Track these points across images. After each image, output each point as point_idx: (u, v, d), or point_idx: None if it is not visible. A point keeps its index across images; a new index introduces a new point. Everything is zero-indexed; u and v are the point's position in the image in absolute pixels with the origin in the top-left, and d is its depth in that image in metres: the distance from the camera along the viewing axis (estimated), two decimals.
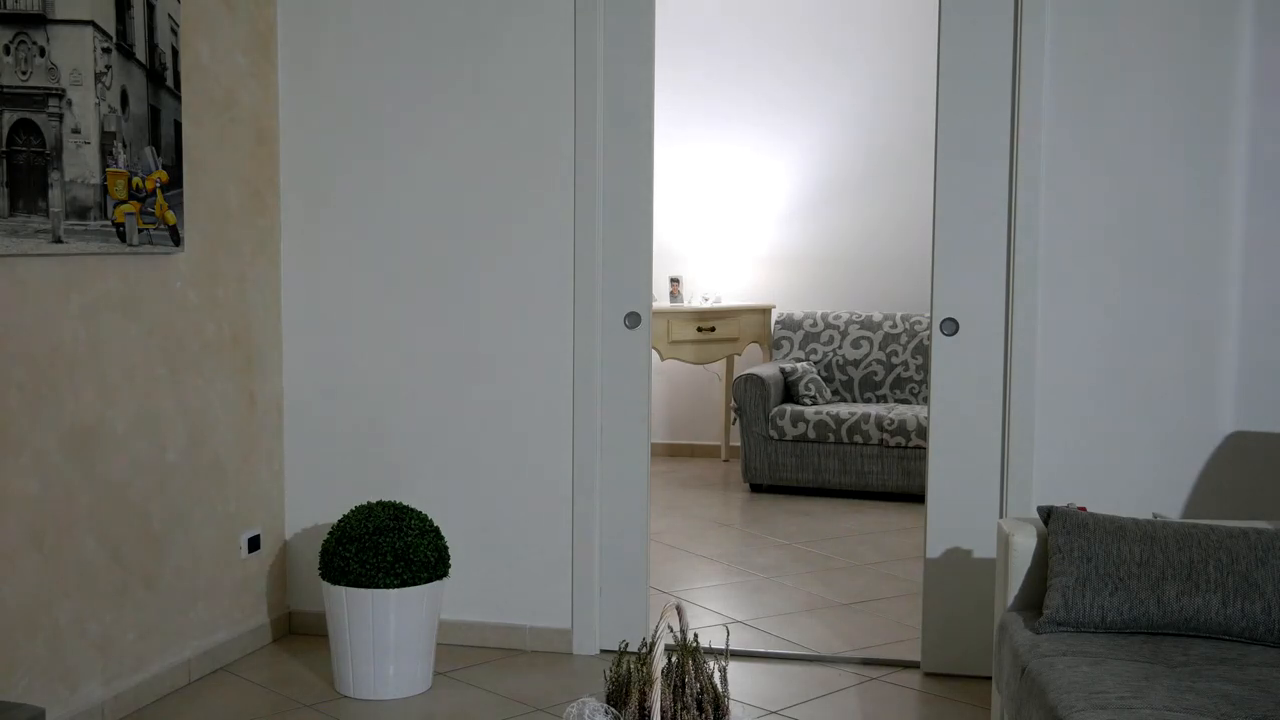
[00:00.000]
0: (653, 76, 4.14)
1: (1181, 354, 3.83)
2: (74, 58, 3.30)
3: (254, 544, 4.26)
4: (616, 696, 2.33)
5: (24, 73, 3.16)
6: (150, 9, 3.61)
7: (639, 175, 4.16)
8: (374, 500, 3.98)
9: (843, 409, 6.87)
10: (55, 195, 3.26)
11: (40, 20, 3.19)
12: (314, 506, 4.40)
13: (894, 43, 7.47)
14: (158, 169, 3.66)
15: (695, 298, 7.84)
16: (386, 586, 3.74)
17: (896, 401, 7.20)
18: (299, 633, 4.44)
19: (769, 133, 7.81)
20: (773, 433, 6.87)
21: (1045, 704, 2.59)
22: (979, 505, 3.97)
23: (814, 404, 7.05)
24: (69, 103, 3.29)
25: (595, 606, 4.25)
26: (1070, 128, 3.85)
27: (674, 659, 2.34)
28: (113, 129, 3.45)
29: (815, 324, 7.44)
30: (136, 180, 3.56)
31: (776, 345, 7.56)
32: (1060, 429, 3.91)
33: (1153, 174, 3.82)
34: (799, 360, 7.43)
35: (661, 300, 7.60)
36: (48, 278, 3.31)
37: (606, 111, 4.15)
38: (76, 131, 3.32)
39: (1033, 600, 3.12)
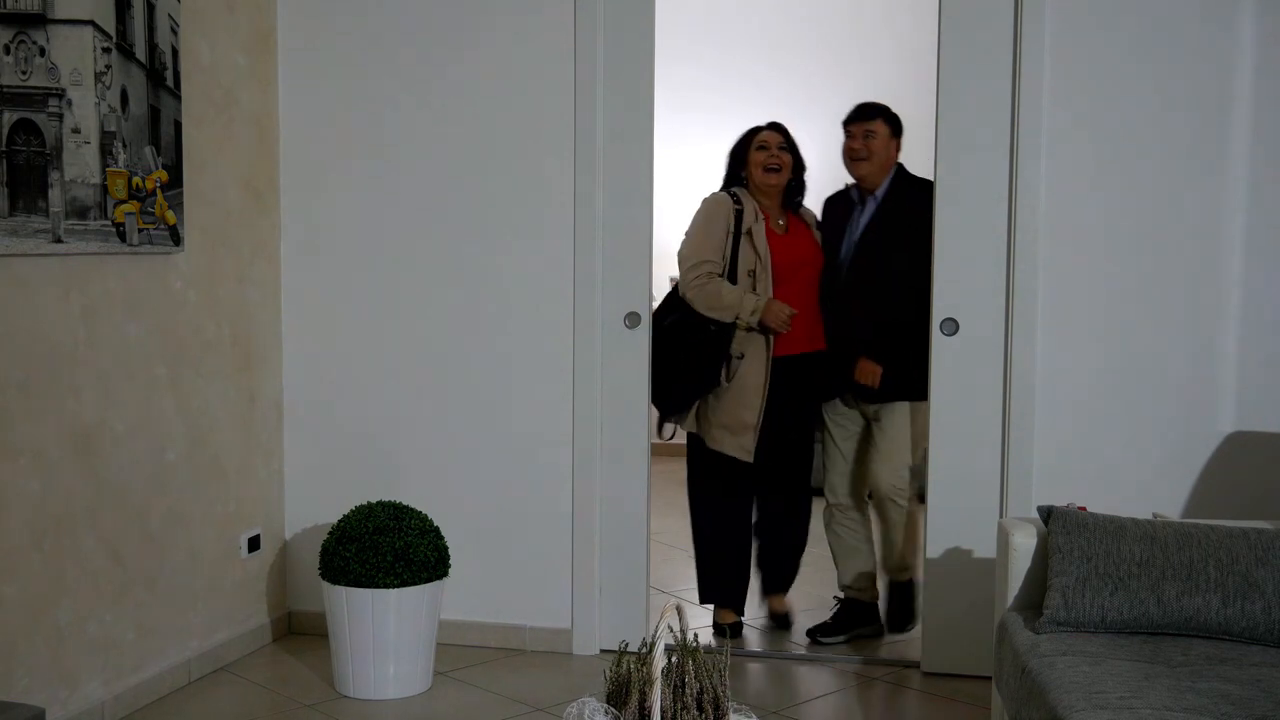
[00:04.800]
0: (653, 76, 4.14)
1: (1181, 354, 3.83)
2: (74, 58, 3.30)
3: (254, 544, 4.26)
4: (616, 696, 2.33)
5: (24, 72, 3.16)
6: (150, 9, 3.60)
7: (639, 175, 4.16)
8: (374, 500, 3.98)
9: None
10: (55, 195, 3.26)
11: (40, 20, 3.19)
12: (314, 506, 4.40)
13: (893, 42, 7.46)
14: (158, 169, 3.66)
15: None
16: (386, 586, 3.74)
17: None
18: (299, 633, 4.44)
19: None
20: None
21: (1045, 704, 2.59)
22: (979, 505, 3.97)
23: None
24: (69, 102, 3.29)
25: (595, 606, 4.25)
26: (1070, 128, 3.84)
27: (674, 659, 2.34)
28: (113, 129, 3.45)
29: None
30: (136, 180, 3.56)
31: None
32: (1060, 429, 3.91)
33: (1153, 174, 3.82)
34: None
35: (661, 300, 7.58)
36: (48, 278, 3.31)
37: (607, 112, 4.15)
38: (76, 131, 3.31)
39: (1033, 600, 3.12)
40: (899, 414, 4.30)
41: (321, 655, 4.13)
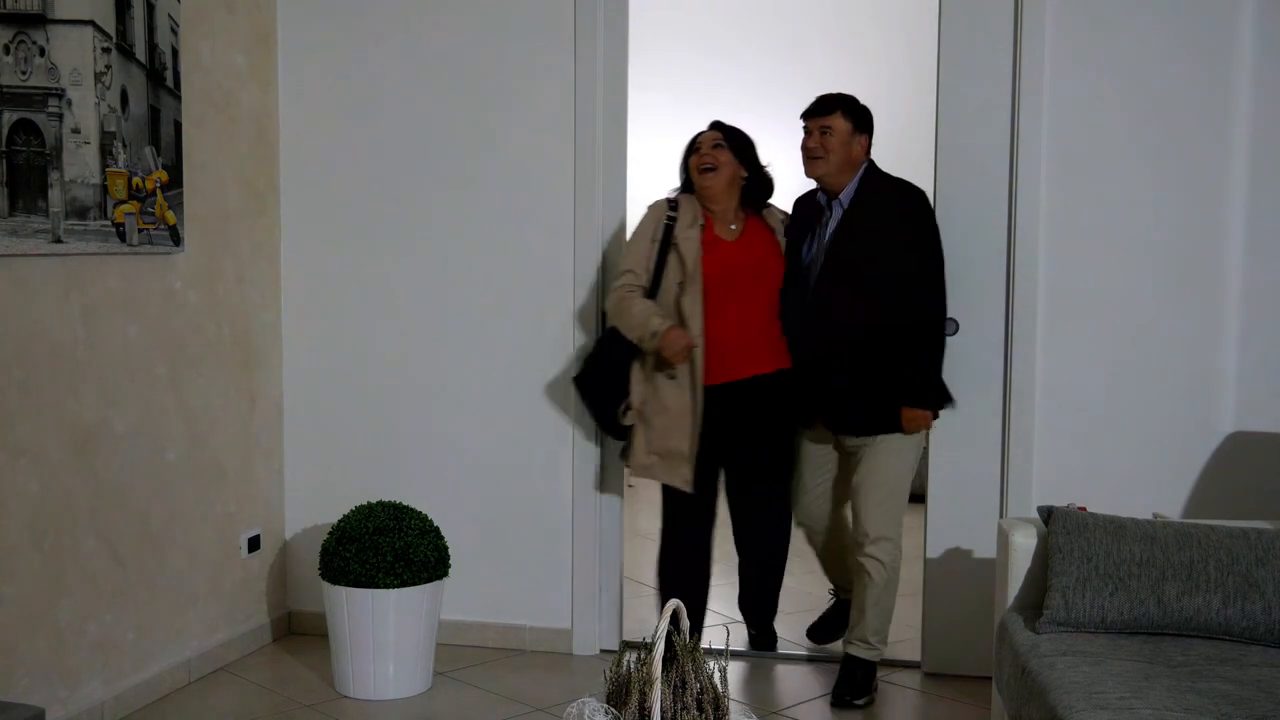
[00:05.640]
0: (626, 71, 4.17)
1: (1181, 354, 3.83)
2: (74, 58, 3.29)
3: (254, 544, 4.25)
4: (616, 696, 2.32)
5: (24, 73, 3.15)
6: (150, 9, 3.60)
7: (618, 176, 4.19)
8: (374, 500, 3.98)
9: None
10: (55, 195, 3.26)
11: (40, 20, 3.19)
12: (314, 506, 4.40)
13: (894, 42, 7.46)
14: (158, 169, 3.66)
15: None
16: (386, 586, 3.74)
17: None
18: (299, 633, 4.44)
19: (767, 132, 7.80)
20: None
21: (1045, 704, 2.59)
22: (979, 505, 3.97)
23: None
24: (69, 103, 3.29)
25: (595, 606, 4.25)
26: (1070, 127, 3.84)
27: (674, 659, 2.34)
28: (113, 129, 3.45)
29: None
30: (136, 180, 3.56)
31: None
32: (1060, 429, 3.91)
33: (1153, 173, 3.82)
34: None
35: None
36: (48, 278, 3.31)
37: (607, 113, 4.15)
38: (76, 131, 3.31)
39: (1033, 600, 3.12)
40: (888, 449, 3.75)
41: (321, 655, 4.13)
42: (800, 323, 3.83)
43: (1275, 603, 2.85)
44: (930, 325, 3.70)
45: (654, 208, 3.95)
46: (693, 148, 3.94)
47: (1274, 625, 2.85)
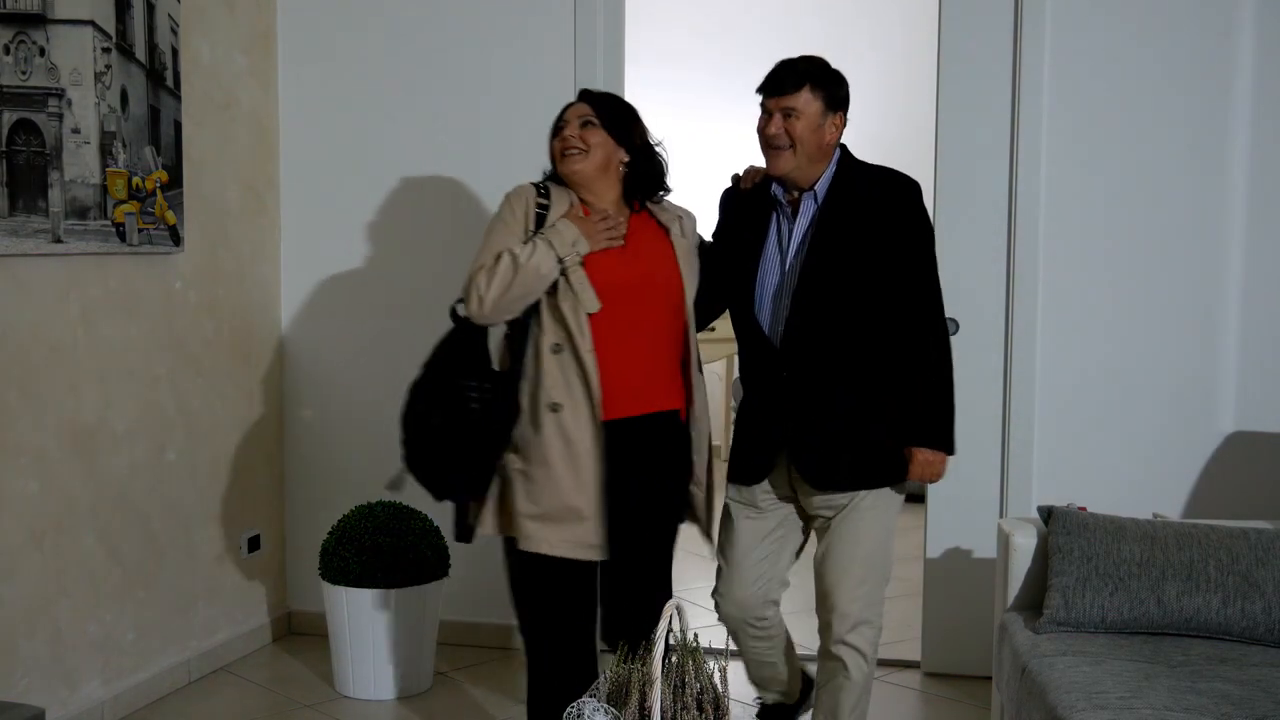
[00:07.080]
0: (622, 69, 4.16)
1: (1181, 354, 3.83)
2: (74, 58, 3.29)
3: (254, 544, 4.25)
4: (616, 696, 2.32)
5: (24, 73, 3.15)
6: (150, 9, 3.60)
7: None
8: (374, 500, 3.98)
9: None
10: (55, 195, 3.26)
11: (40, 20, 3.19)
12: (314, 506, 4.40)
13: (893, 42, 7.47)
14: (158, 169, 3.66)
15: None
16: (386, 586, 3.74)
17: None
18: (299, 633, 4.44)
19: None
20: None
21: (1045, 704, 2.59)
22: (979, 505, 3.97)
23: None
24: (69, 102, 3.28)
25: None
26: (1070, 128, 3.84)
27: (674, 659, 2.34)
28: (113, 129, 3.45)
29: None
30: (136, 180, 3.56)
31: None
32: (1061, 429, 3.91)
33: (1153, 174, 3.82)
34: None
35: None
36: (48, 278, 3.31)
37: None
38: (76, 131, 3.31)
39: (1033, 600, 3.12)
40: (873, 509, 2.96)
41: (321, 655, 4.13)
42: (764, 348, 2.98)
43: (1275, 603, 2.85)
44: (938, 345, 2.95)
45: (518, 193, 3.04)
46: (557, 126, 3.05)
47: (1274, 625, 2.85)
